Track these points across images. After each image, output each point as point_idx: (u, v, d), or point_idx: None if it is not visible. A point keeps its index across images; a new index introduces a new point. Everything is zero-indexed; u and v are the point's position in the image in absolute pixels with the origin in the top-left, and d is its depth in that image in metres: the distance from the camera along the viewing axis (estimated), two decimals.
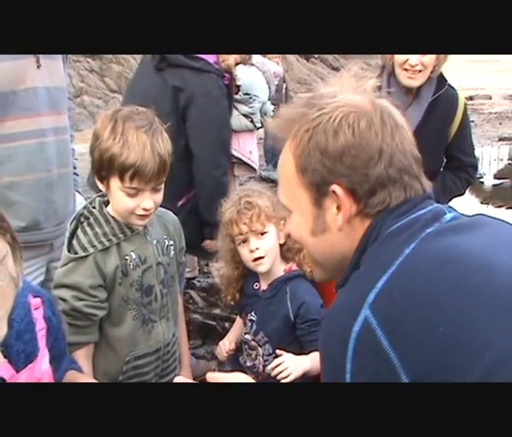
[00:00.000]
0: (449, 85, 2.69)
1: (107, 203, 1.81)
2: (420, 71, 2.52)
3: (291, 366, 1.87)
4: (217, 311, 4.07)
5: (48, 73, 1.95)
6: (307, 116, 1.14)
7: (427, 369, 0.95)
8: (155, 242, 1.86)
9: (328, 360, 1.08)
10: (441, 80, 2.66)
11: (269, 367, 1.94)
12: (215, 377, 1.28)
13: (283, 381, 1.87)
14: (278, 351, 1.95)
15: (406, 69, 2.52)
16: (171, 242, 1.93)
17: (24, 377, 1.34)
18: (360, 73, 1.21)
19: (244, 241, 1.99)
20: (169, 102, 2.67)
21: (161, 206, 1.84)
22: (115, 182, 1.69)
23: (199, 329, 3.81)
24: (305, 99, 1.19)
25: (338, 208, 1.12)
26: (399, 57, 2.51)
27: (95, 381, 1.59)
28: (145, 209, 1.72)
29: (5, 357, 1.27)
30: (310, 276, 2.03)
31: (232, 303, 2.22)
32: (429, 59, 2.51)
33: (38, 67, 1.90)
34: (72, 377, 1.56)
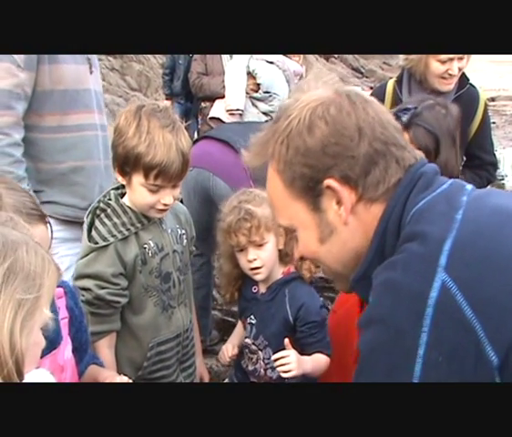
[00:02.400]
0: (471, 84, 2.69)
1: (121, 195, 1.85)
2: (455, 76, 2.54)
3: (294, 363, 1.86)
4: (236, 308, 4.06)
5: (95, 79, 2.27)
6: (278, 130, 1.12)
7: None
8: (169, 231, 1.90)
9: (392, 333, 0.95)
10: (463, 79, 2.65)
11: (272, 357, 1.93)
12: None
13: (283, 375, 1.87)
14: (286, 340, 1.91)
15: (444, 77, 2.53)
16: (183, 231, 1.98)
17: (47, 362, 1.37)
18: (320, 72, 1.21)
19: (242, 250, 1.98)
20: None
21: None
22: (138, 178, 1.73)
23: (218, 325, 3.82)
24: (272, 119, 1.18)
25: (338, 202, 1.09)
26: (438, 68, 2.51)
27: (116, 374, 1.60)
28: (165, 205, 1.77)
29: None
30: (308, 279, 2.03)
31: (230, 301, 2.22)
32: (465, 64, 2.52)
33: (91, 73, 2.22)
34: (94, 371, 1.59)
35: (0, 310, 0.95)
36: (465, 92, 2.65)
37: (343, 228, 1.10)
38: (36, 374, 1.17)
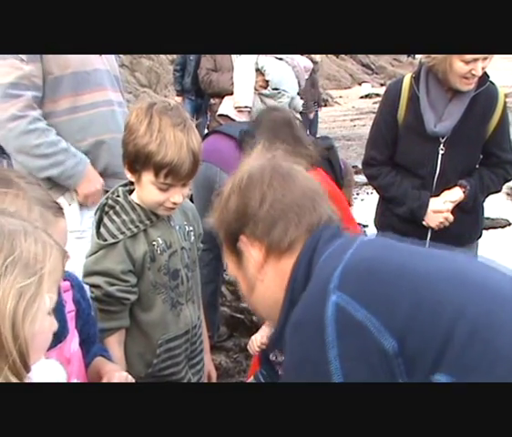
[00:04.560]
0: (490, 81, 2.63)
1: (129, 192, 1.85)
2: (478, 76, 2.49)
3: None
4: (245, 305, 4.07)
5: (107, 61, 2.40)
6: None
7: (408, 323, 0.98)
8: (177, 228, 1.90)
9: (306, 365, 1.05)
10: (483, 76, 2.58)
11: None
12: None
13: None
14: None
15: (467, 77, 2.48)
16: (191, 228, 1.98)
17: (54, 355, 1.37)
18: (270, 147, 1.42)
19: None
20: None
21: None
22: (148, 176, 1.73)
23: (227, 321, 3.81)
24: None
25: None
26: (462, 68, 2.44)
27: (118, 368, 1.60)
28: (174, 203, 1.77)
29: None
30: None
31: None
32: (488, 63, 2.47)
33: (100, 55, 2.35)
34: (98, 364, 1.59)
35: (1, 301, 0.95)
36: (485, 89, 2.59)
37: (261, 281, 1.28)
38: (46, 365, 1.16)
